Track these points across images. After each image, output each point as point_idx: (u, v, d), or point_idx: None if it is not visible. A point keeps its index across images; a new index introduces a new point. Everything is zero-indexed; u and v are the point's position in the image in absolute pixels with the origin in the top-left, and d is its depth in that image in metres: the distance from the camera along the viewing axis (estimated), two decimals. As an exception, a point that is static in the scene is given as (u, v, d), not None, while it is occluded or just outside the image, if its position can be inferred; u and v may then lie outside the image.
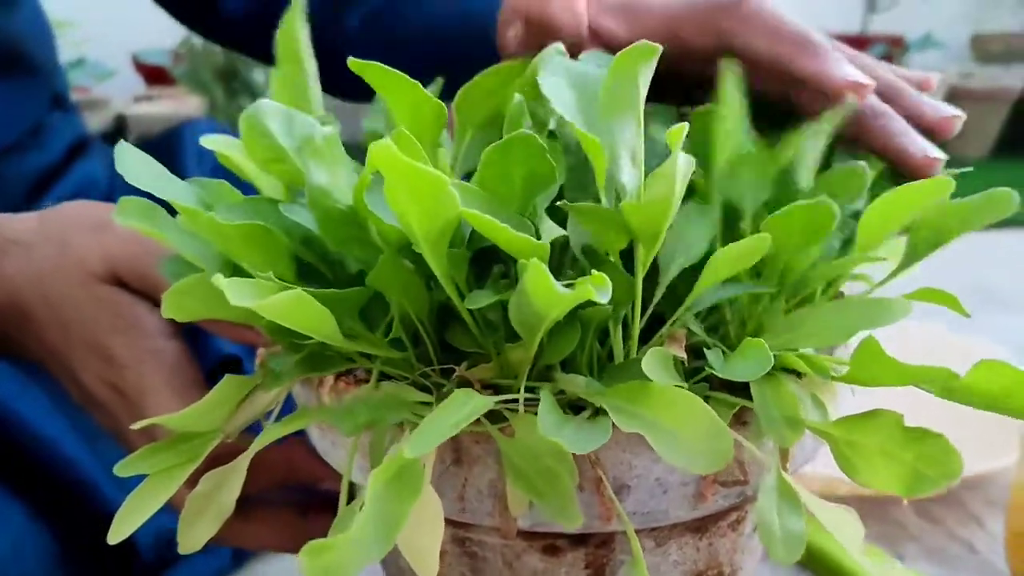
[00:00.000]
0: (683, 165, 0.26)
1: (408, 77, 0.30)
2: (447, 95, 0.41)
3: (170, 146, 0.78)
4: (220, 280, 0.23)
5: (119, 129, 1.82)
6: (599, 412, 0.29)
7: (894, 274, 0.37)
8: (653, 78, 0.29)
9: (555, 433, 0.24)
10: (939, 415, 0.82)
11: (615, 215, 0.27)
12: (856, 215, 0.32)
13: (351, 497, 0.33)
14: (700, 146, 0.33)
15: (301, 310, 0.25)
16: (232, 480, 0.35)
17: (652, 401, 0.27)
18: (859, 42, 2.93)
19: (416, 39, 0.60)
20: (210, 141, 0.37)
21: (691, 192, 0.33)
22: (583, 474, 0.30)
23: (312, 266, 0.32)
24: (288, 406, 0.36)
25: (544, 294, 0.23)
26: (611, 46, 0.43)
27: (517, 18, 0.45)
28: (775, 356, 0.30)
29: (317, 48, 0.55)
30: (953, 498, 0.73)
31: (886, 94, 0.38)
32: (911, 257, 0.37)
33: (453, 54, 0.53)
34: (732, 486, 0.32)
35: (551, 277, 0.22)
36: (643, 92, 0.26)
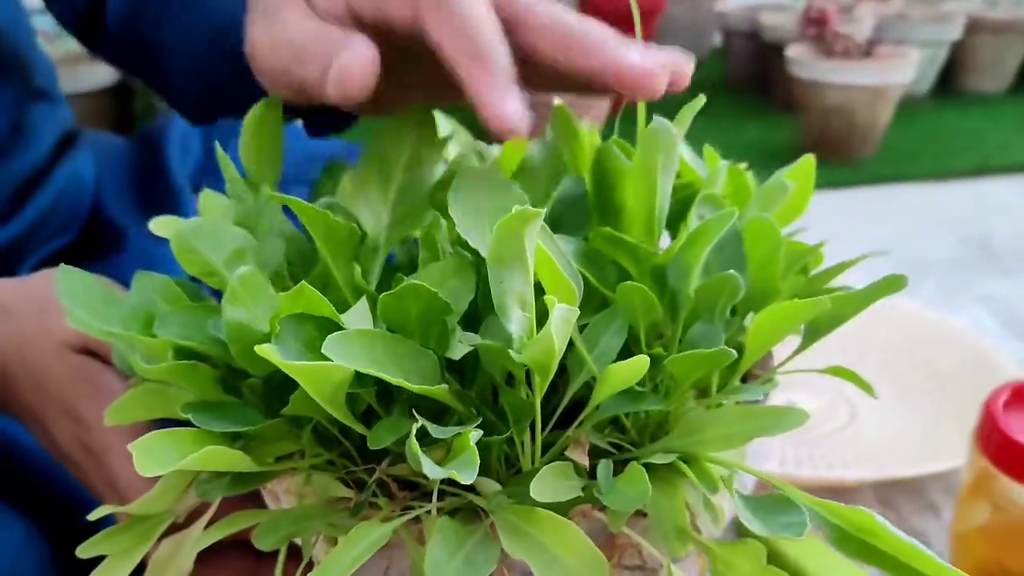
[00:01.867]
0: (561, 320, 0.27)
1: (317, 208, 0.32)
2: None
3: (155, 141, 0.79)
4: (132, 446, 0.26)
5: (124, 83, 1.82)
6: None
7: (798, 352, 0.39)
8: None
9: (437, 574, 0.27)
10: (923, 408, 0.84)
11: (508, 355, 0.29)
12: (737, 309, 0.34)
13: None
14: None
15: (219, 459, 0.28)
16: (188, 546, 0.39)
17: (543, 525, 0.29)
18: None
19: (180, 52, 0.54)
20: (160, 226, 0.40)
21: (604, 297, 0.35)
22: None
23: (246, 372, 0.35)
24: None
25: (418, 465, 0.25)
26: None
27: None
28: (673, 460, 0.33)
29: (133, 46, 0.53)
30: (914, 485, 0.75)
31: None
32: (813, 336, 0.38)
33: (213, 73, 0.50)
34: (635, 570, 0.35)
35: (421, 456, 0.25)
36: (530, 249, 0.28)
